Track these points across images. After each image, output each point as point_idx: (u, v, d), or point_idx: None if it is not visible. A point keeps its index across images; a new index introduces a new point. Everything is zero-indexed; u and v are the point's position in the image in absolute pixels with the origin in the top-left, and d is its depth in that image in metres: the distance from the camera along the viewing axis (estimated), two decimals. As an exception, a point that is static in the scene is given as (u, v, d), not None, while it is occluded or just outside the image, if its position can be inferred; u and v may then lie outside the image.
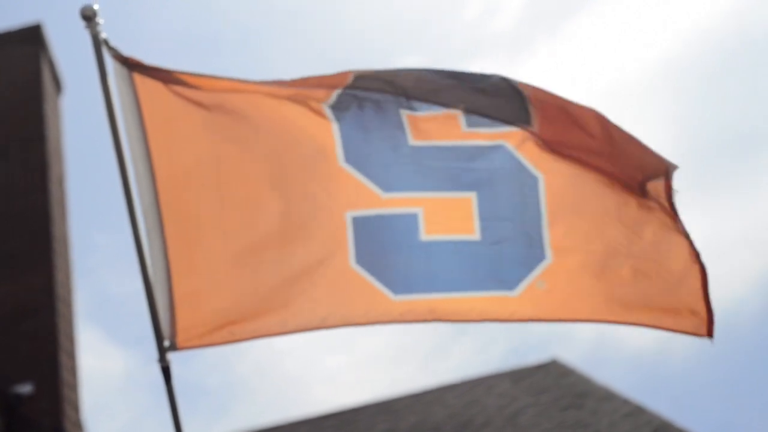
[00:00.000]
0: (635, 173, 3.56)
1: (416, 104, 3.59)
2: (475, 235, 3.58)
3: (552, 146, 3.58)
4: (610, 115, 3.56)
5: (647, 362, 19.11)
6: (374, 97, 3.59)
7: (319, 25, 21.85)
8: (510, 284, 3.55)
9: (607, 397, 9.08)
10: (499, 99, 3.58)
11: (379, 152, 3.59)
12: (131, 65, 3.66)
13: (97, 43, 3.65)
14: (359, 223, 3.59)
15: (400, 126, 3.60)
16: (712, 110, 20.70)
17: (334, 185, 3.62)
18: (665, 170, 3.50)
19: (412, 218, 3.59)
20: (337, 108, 3.61)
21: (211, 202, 3.71)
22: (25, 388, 9.53)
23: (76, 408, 10.08)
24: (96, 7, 3.63)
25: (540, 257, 3.57)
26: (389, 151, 3.59)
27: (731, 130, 20.55)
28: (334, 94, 3.59)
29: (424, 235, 3.58)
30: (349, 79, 3.60)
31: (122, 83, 3.66)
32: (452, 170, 3.60)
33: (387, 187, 3.60)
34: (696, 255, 3.52)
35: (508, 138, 3.60)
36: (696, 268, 3.52)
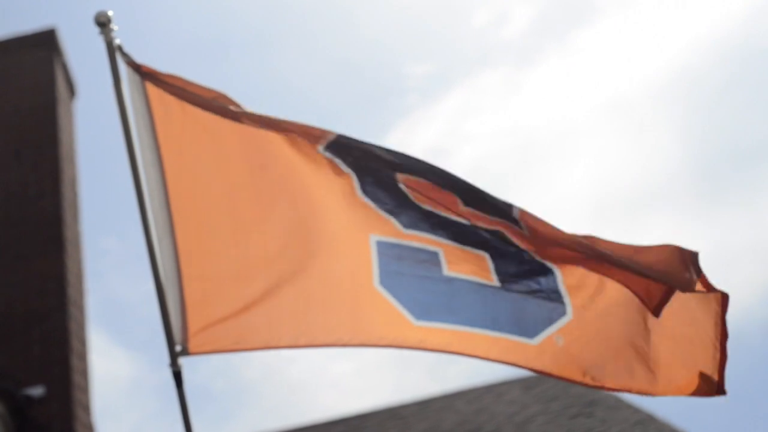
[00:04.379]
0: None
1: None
2: (495, 282, 3.57)
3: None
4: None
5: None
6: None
7: (329, 31, 21.89)
8: (530, 333, 3.53)
9: (617, 405, 9.05)
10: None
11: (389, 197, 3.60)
12: (143, 74, 3.67)
13: (111, 50, 3.67)
14: (383, 246, 3.60)
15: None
16: (720, 121, 20.66)
17: (355, 211, 3.62)
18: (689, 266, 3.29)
19: (434, 254, 3.60)
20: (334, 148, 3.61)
21: (222, 211, 3.71)
22: (37, 391, 9.55)
23: (86, 410, 10.10)
24: (110, 13, 3.65)
25: (561, 312, 3.54)
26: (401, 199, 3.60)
27: (740, 140, 20.51)
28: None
29: (447, 271, 3.59)
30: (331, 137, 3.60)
31: (135, 90, 3.68)
32: (464, 231, 3.58)
33: (406, 226, 3.60)
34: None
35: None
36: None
